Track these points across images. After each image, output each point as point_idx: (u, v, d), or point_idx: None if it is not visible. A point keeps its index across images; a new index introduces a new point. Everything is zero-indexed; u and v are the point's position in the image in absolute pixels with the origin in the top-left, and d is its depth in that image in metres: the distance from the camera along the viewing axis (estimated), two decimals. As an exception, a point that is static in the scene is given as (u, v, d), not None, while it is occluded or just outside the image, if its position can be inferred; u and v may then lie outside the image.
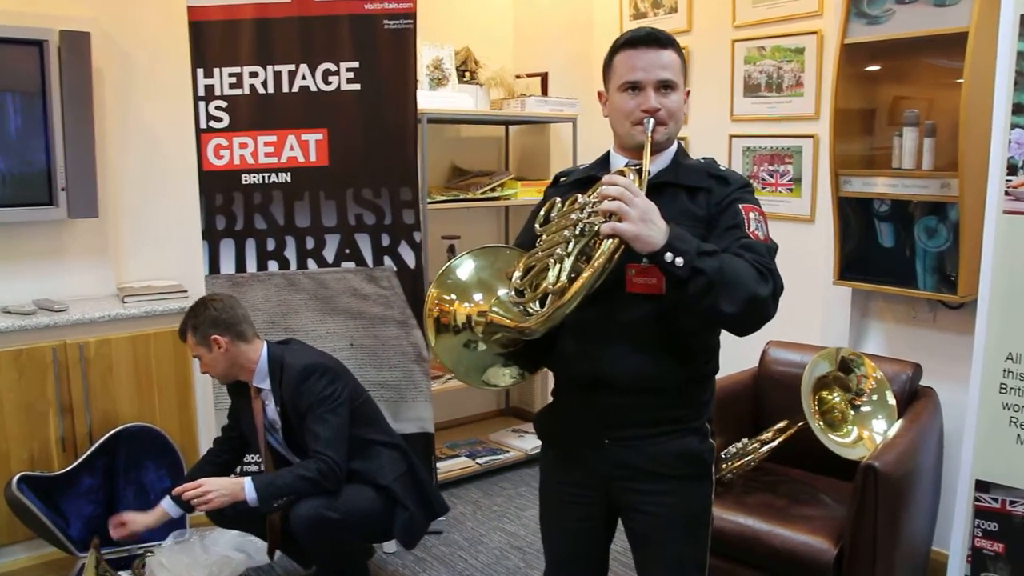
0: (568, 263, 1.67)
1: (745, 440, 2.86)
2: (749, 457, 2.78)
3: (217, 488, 2.66)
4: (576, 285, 1.61)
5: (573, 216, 1.73)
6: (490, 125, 4.76)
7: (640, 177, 1.72)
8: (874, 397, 2.79)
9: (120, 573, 2.98)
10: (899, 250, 3.11)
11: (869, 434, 2.73)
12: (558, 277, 1.67)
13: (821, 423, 2.71)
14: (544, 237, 1.81)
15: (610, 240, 1.60)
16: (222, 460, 3.03)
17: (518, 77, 4.53)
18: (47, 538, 3.01)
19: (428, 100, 3.92)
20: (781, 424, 2.86)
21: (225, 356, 2.80)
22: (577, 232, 1.70)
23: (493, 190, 4.29)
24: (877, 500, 2.36)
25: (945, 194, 2.86)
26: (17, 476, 2.95)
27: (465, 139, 4.70)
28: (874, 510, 2.36)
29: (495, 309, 1.79)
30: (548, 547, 2.10)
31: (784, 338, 3.22)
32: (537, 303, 1.72)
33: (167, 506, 2.79)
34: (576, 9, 4.50)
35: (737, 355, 3.30)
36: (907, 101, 3.06)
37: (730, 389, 3.07)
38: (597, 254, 1.61)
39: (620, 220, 1.59)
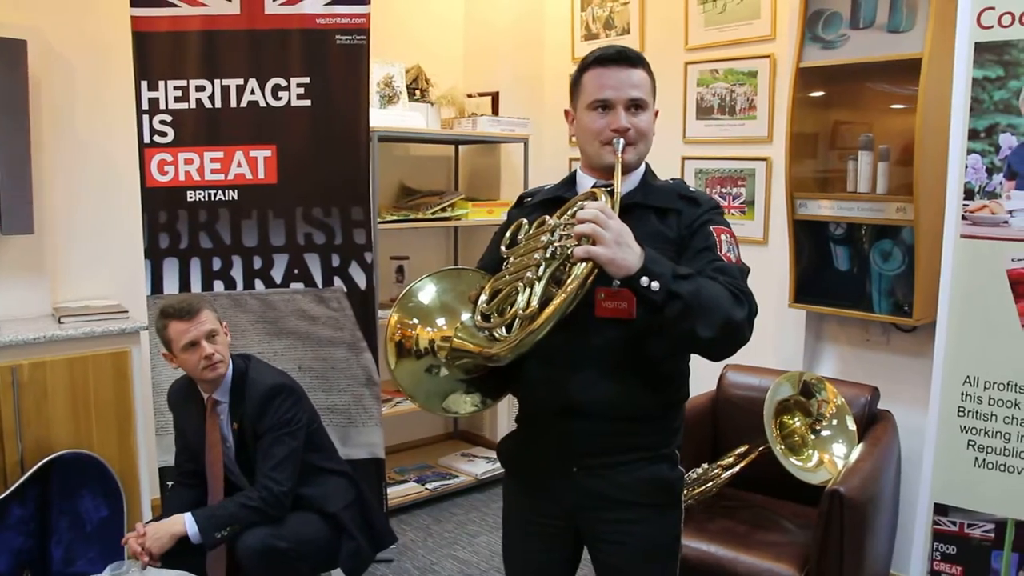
0: (539, 287, 1.62)
1: (706, 465, 2.84)
2: (711, 483, 2.75)
3: (155, 532, 2.54)
4: (548, 310, 1.55)
5: (543, 239, 1.68)
6: (440, 144, 4.70)
7: (612, 199, 1.68)
8: (834, 422, 2.79)
9: (53, 610, 2.83)
10: (854, 273, 3.14)
11: (830, 458, 2.72)
12: (528, 302, 1.61)
13: (782, 447, 2.69)
14: (512, 260, 1.76)
15: (583, 264, 1.55)
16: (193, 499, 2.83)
17: (469, 96, 4.49)
18: (-27, 574, 2.85)
19: (378, 118, 3.85)
20: (742, 449, 2.84)
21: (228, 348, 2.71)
22: (548, 255, 1.65)
23: (443, 210, 4.23)
24: (843, 525, 2.35)
25: (900, 218, 2.89)
26: (-58, 508, 2.78)
27: (414, 158, 4.64)
28: (839, 535, 2.35)
29: (459, 334, 1.73)
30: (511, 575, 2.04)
31: (740, 361, 3.21)
32: (504, 328, 1.66)
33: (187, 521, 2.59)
34: (527, 29, 4.48)
35: (695, 379, 3.28)
36: (861, 125, 3.10)
37: (688, 413, 2.96)
38: (570, 278, 1.56)
39: (594, 243, 1.55)
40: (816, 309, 3.22)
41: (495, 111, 4.46)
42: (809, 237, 3.21)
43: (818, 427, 2.79)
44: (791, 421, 2.80)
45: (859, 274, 3.11)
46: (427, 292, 1.82)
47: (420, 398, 1.82)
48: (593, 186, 1.80)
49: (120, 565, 2.93)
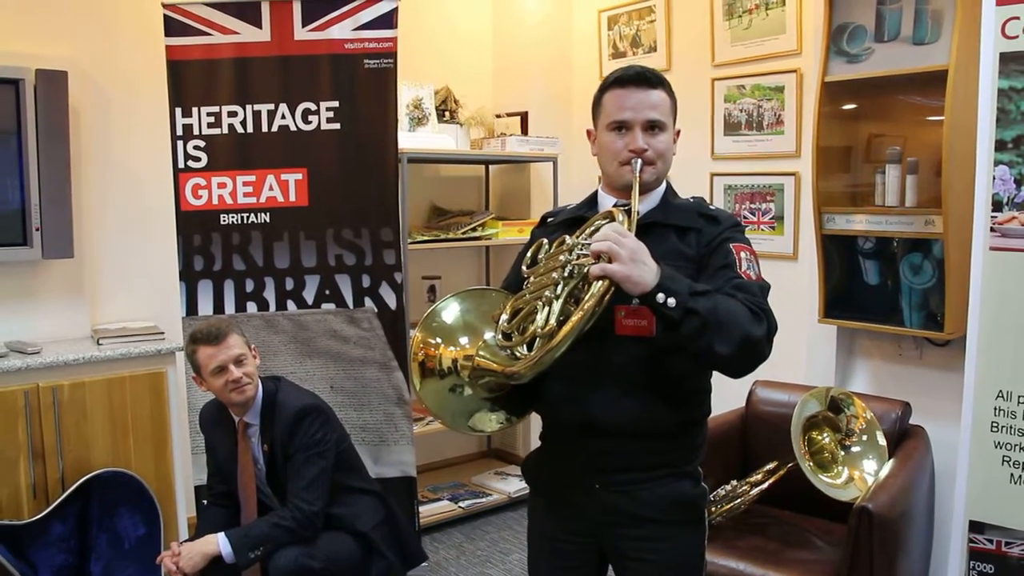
0: (557, 306, 1.64)
1: (734, 482, 2.82)
2: (739, 500, 2.74)
3: (189, 551, 2.59)
4: (565, 328, 1.57)
5: (561, 258, 1.70)
6: (470, 165, 4.75)
7: (629, 217, 1.70)
8: (864, 437, 2.76)
9: (91, 626, 2.89)
10: (884, 287, 3.11)
11: (860, 474, 2.69)
12: (547, 320, 1.63)
13: (811, 464, 2.67)
14: (532, 279, 1.78)
15: (600, 282, 1.57)
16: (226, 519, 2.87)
17: (498, 116, 4.54)
18: (15, 590, 2.92)
19: (408, 140, 3.90)
20: (771, 465, 2.82)
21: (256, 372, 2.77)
22: (566, 274, 1.67)
23: (474, 230, 4.27)
24: (872, 542, 2.32)
25: (929, 231, 2.87)
26: (-15, 524, 2.86)
27: (445, 179, 4.69)
28: (869, 553, 2.33)
29: (481, 353, 1.75)
30: (536, 595, 2.05)
31: (770, 377, 3.20)
32: (525, 347, 1.68)
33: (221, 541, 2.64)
34: (555, 49, 4.52)
35: (724, 396, 3.27)
36: (888, 138, 3.08)
37: (717, 430, 3.03)
38: (587, 296, 1.58)
39: (610, 261, 1.56)
40: (846, 324, 3.20)
41: (524, 131, 4.49)
42: (838, 252, 3.19)
43: (848, 443, 2.76)
44: (820, 437, 2.77)
45: (889, 288, 3.08)
46: (451, 312, 1.84)
47: (446, 418, 1.84)
48: (614, 205, 1.81)
49: (157, 584, 2.99)
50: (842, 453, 2.75)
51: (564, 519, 1.91)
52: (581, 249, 1.66)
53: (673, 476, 1.83)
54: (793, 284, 3.50)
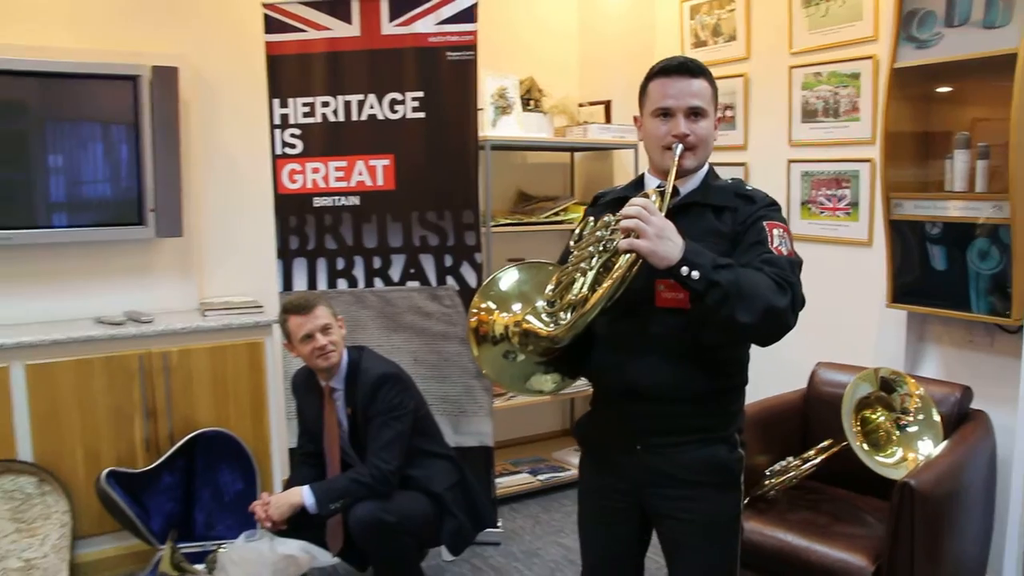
0: (591, 276, 1.80)
1: (790, 458, 2.90)
2: (791, 474, 2.81)
3: (277, 501, 2.84)
4: (595, 295, 1.74)
5: (598, 234, 1.85)
6: (556, 152, 4.90)
7: (663, 198, 1.84)
8: (920, 416, 2.79)
9: (194, 566, 3.19)
10: (952, 273, 3.11)
11: (915, 455, 2.73)
12: (581, 288, 1.80)
13: (865, 443, 2.73)
14: (575, 253, 1.93)
15: (627, 255, 1.72)
16: (313, 477, 3.10)
17: (581, 105, 4.67)
18: (131, 530, 3.25)
19: (493, 128, 4.09)
20: (825, 443, 2.88)
21: (343, 340, 2.99)
22: (600, 248, 1.82)
23: (556, 214, 4.42)
24: (914, 519, 2.37)
25: (997, 216, 2.87)
26: (106, 471, 3.20)
27: (532, 166, 4.85)
28: (910, 529, 2.37)
29: (528, 318, 1.92)
30: (584, 550, 2.19)
31: (833, 359, 3.25)
32: (563, 312, 1.84)
33: (305, 493, 2.87)
34: (638, 38, 4.62)
35: (786, 376, 3.36)
36: (958, 124, 3.08)
37: (778, 409, 3.11)
38: (616, 267, 1.74)
39: (638, 236, 1.71)
40: (914, 309, 3.22)
41: (607, 119, 4.62)
42: (908, 237, 3.20)
43: (904, 421, 2.79)
44: (874, 416, 2.82)
45: (957, 274, 3.09)
46: (507, 280, 2.03)
47: (504, 382, 2.05)
48: (654, 188, 1.95)
49: (253, 533, 3.27)
50: (897, 432, 2.79)
51: (609, 477, 2.05)
52: (615, 226, 1.81)
53: (709, 441, 1.95)
54: (866, 270, 3.53)
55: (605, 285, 1.74)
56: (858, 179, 3.63)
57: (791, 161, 3.91)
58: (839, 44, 3.64)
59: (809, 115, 3.81)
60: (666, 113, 1.93)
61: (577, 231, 2.03)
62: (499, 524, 3.62)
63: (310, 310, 2.92)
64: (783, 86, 3.89)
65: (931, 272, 3.18)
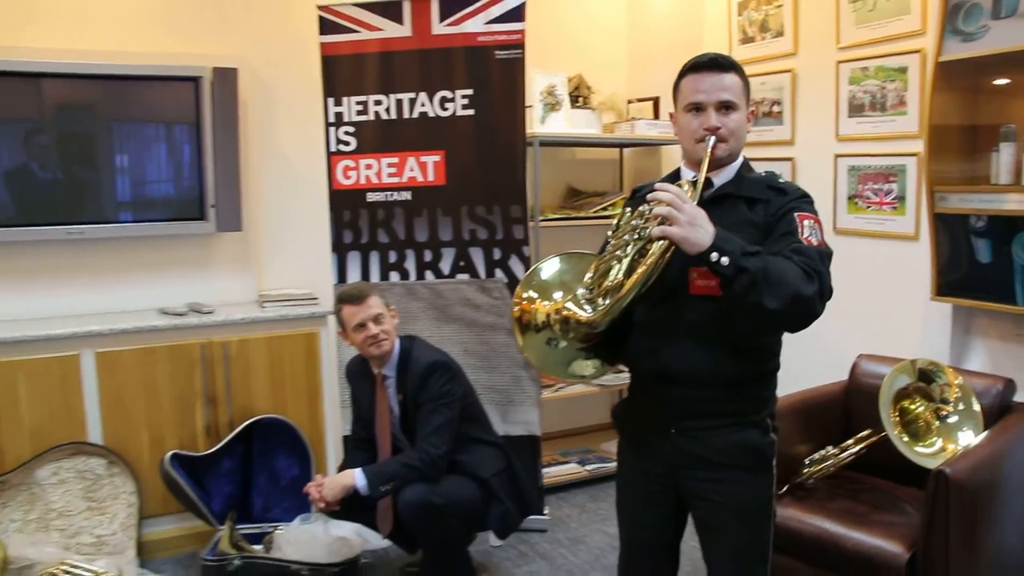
0: (626, 263, 1.88)
1: (829, 447, 2.93)
2: (829, 462, 2.85)
3: (331, 483, 2.97)
4: (630, 280, 1.82)
5: (633, 223, 1.93)
6: (606, 148, 4.96)
7: (694, 188, 1.91)
8: (960, 406, 2.80)
9: (252, 546, 3.33)
10: (998, 266, 3.11)
11: (954, 446, 2.74)
12: (617, 274, 1.88)
13: (904, 434, 2.75)
14: (612, 242, 2.01)
15: (661, 241, 1.80)
16: (366, 461, 3.20)
17: (630, 102, 4.73)
18: (192, 510, 3.39)
19: (542, 124, 4.17)
20: (864, 433, 2.91)
21: (395, 329, 3.09)
22: (635, 236, 1.90)
23: (604, 209, 4.49)
24: (948, 507, 2.38)
25: (1041, 209, 2.87)
26: (169, 454, 3.35)
27: (581, 161, 4.93)
28: (945, 517, 2.39)
29: (568, 305, 2.00)
30: (622, 530, 2.27)
31: (875, 351, 3.27)
32: (601, 299, 1.92)
33: (357, 475, 2.99)
34: (687, 35, 4.66)
35: (828, 368, 3.39)
36: (1005, 116, 3.07)
37: (819, 399, 3.14)
38: (649, 254, 1.81)
39: (670, 224, 1.78)
40: (959, 302, 3.22)
41: (656, 115, 4.67)
42: (953, 231, 3.20)
43: (944, 411, 2.81)
44: (914, 407, 2.83)
45: (1003, 267, 3.08)
46: (549, 269, 2.13)
47: (548, 368, 2.15)
48: (689, 179, 2.02)
49: (308, 516, 3.41)
50: (937, 423, 2.80)
51: (645, 460, 2.13)
52: (649, 215, 1.88)
53: (741, 425, 2.01)
54: (913, 263, 3.53)
55: (639, 271, 1.82)
56: (905, 173, 3.63)
57: (838, 156, 3.91)
58: (886, 38, 3.64)
59: (856, 109, 3.81)
60: (698, 107, 2.00)
61: (615, 222, 2.11)
62: (546, 512, 3.70)
63: (363, 300, 3.03)
64: (830, 81, 3.90)
65: (976, 265, 3.17)
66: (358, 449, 3.31)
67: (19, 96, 3.46)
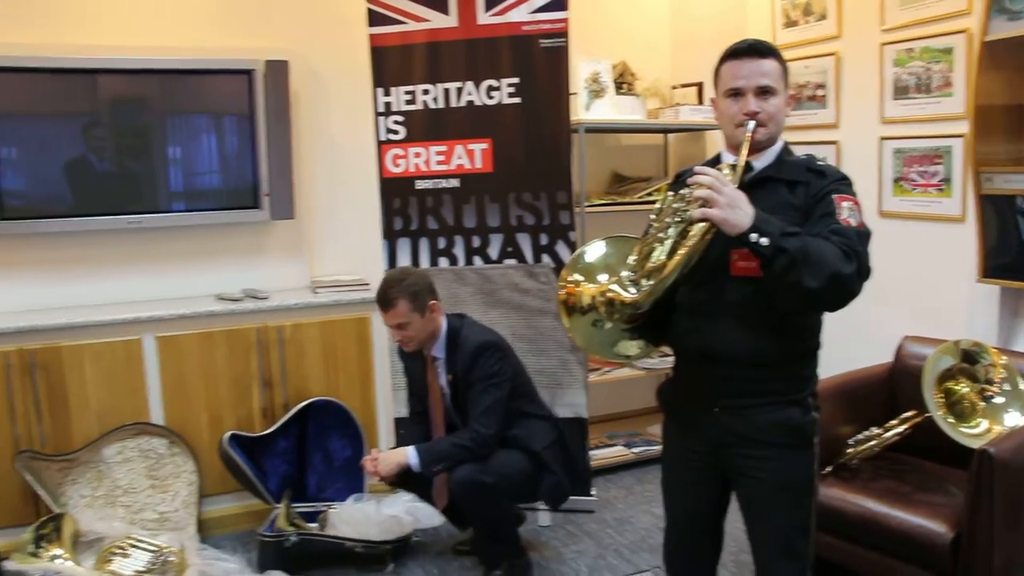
0: (668, 244, 1.94)
1: (874, 428, 2.96)
2: (872, 442, 2.87)
3: (386, 459, 3.07)
4: (672, 261, 1.89)
5: (675, 206, 1.99)
6: (650, 134, 5.00)
7: (734, 171, 1.95)
8: (1006, 387, 2.80)
9: (308, 524, 3.44)
10: (1044, 247, 3.11)
11: (1000, 427, 2.74)
12: (659, 256, 1.94)
13: (949, 415, 2.76)
14: (655, 225, 2.07)
15: (702, 223, 1.85)
16: (422, 434, 3.33)
17: (674, 88, 4.76)
18: (249, 489, 3.52)
19: (586, 111, 4.22)
20: (908, 414, 2.93)
21: (432, 322, 3.15)
22: (677, 219, 1.96)
23: (650, 194, 4.53)
24: (993, 487, 2.40)
25: (1088, 189, 2.86)
26: (228, 434, 3.48)
27: (626, 147, 4.97)
28: (990, 497, 2.40)
29: (612, 287, 2.06)
30: (668, 508, 2.34)
31: (920, 333, 3.28)
32: (644, 280, 1.98)
33: (410, 453, 3.09)
34: (730, 20, 4.66)
35: (873, 349, 3.40)
36: (1052, 96, 3.07)
37: (864, 381, 3.16)
38: (691, 235, 1.87)
39: (711, 207, 1.84)
40: (1006, 284, 3.21)
41: (700, 100, 4.69)
42: (1001, 211, 3.19)
43: (989, 392, 2.81)
44: (958, 388, 2.84)
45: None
46: (594, 252, 2.19)
47: (594, 348, 2.22)
48: (729, 163, 2.07)
49: (360, 496, 3.52)
50: (983, 404, 2.81)
51: (689, 439, 2.19)
52: (690, 197, 1.94)
53: (783, 403, 2.06)
54: (959, 245, 3.52)
55: (681, 252, 1.88)
56: (951, 155, 3.62)
57: (883, 138, 3.90)
58: (931, 19, 3.62)
59: (901, 92, 3.80)
60: (737, 93, 2.05)
61: (658, 205, 2.15)
62: (593, 493, 3.77)
63: (386, 309, 3.10)
64: (874, 63, 3.89)
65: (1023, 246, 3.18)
66: (415, 423, 3.41)
67: (78, 91, 3.60)
